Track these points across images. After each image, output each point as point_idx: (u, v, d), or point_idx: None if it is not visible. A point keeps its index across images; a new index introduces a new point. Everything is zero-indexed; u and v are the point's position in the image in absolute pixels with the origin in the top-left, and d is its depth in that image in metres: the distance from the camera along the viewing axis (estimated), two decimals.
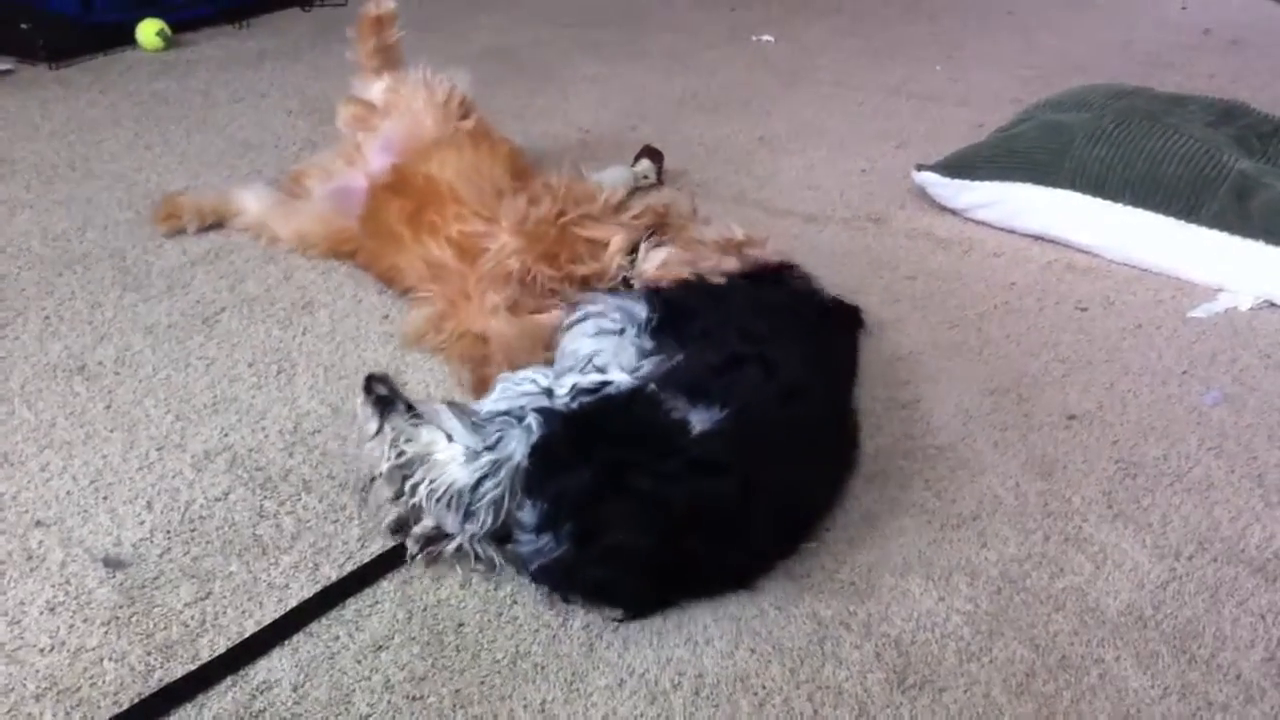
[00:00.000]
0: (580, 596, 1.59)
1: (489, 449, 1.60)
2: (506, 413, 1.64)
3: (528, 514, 1.55)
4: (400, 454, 1.63)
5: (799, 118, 3.60)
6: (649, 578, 1.58)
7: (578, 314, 1.96)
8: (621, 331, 1.89)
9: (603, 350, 1.84)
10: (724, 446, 1.58)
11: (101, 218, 2.63)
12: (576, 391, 1.64)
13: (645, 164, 2.94)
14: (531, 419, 1.60)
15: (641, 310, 1.90)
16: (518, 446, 1.58)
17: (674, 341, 1.81)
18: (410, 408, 1.67)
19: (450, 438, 1.63)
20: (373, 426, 1.66)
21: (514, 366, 2.01)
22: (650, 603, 1.59)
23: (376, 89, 2.60)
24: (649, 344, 1.84)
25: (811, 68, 4.15)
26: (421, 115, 2.48)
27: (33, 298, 2.30)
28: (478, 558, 1.63)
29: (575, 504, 1.53)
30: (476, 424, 1.64)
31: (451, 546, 1.63)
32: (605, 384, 1.66)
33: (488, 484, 1.58)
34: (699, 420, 1.59)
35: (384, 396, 1.68)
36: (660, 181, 2.96)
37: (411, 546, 1.64)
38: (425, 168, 2.31)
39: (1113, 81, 3.12)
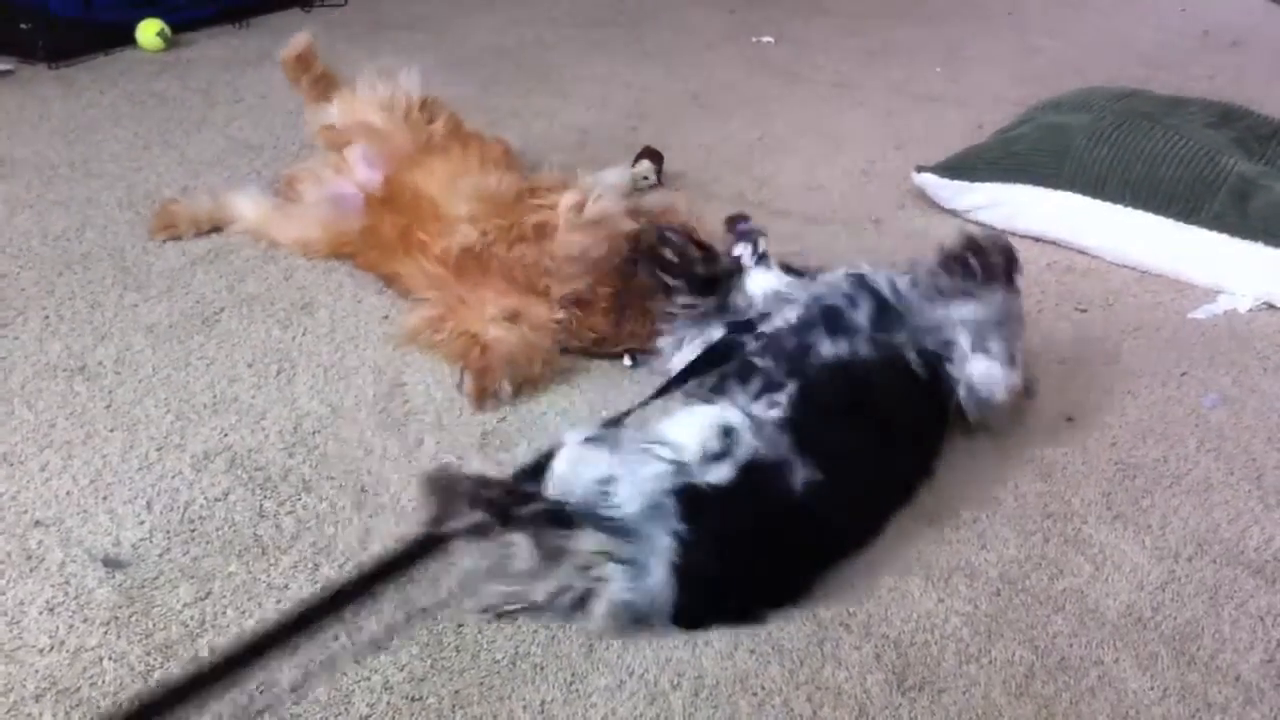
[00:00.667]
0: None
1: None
2: (648, 507, 1.54)
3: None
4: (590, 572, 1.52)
5: (799, 118, 3.60)
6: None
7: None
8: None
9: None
10: (821, 502, 1.60)
11: (101, 217, 2.63)
12: (707, 458, 1.59)
13: (645, 165, 2.94)
14: (670, 504, 1.54)
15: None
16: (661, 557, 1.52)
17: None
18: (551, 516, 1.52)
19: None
20: (525, 548, 1.49)
21: (514, 376, 2.02)
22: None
23: (330, 113, 2.57)
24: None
25: (811, 68, 4.15)
26: (388, 132, 2.45)
27: (33, 297, 2.30)
28: None
29: (698, 575, 1.53)
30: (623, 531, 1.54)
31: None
32: (729, 442, 1.62)
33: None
34: (802, 475, 1.59)
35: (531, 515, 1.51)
36: (660, 183, 2.95)
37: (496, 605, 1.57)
38: (413, 180, 2.32)
39: (1112, 83, 3.13)
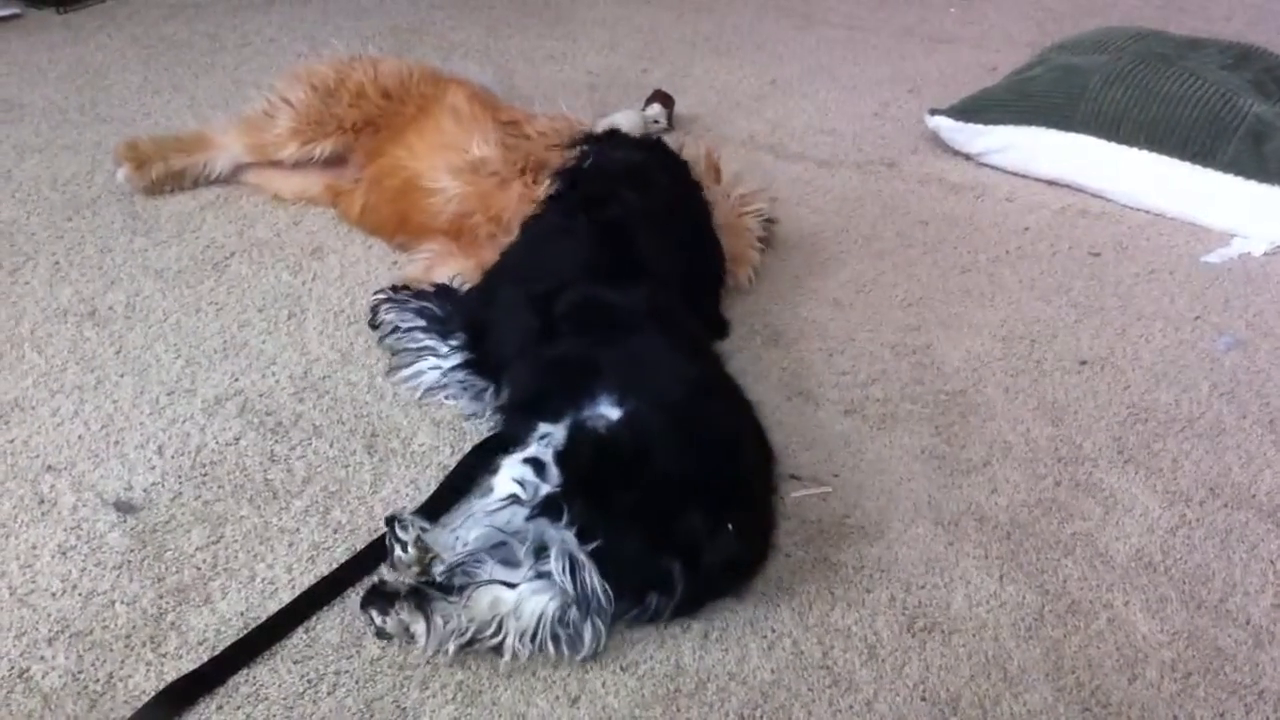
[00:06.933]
0: None
1: (541, 576, 1.44)
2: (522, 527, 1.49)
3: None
4: (466, 633, 1.43)
5: (811, 61, 3.57)
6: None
7: None
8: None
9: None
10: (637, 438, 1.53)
11: (110, 162, 2.62)
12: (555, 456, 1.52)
13: (656, 108, 2.91)
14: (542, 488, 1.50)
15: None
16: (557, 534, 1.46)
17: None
18: (440, 587, 1.45)
19: (508, 584, 1.44)
20: (421, 629, 1.42)
21: None
22: None
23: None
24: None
25: (824, 10, 4.11)
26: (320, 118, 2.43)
27: (43, 242, 2.29)
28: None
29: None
30: (513, 549, 1.48)
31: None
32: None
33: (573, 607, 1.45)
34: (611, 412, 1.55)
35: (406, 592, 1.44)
36: (670, 126, 2.93)
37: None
38: (396, 160, 2.31)
39: (1128, 23, 3.09)
